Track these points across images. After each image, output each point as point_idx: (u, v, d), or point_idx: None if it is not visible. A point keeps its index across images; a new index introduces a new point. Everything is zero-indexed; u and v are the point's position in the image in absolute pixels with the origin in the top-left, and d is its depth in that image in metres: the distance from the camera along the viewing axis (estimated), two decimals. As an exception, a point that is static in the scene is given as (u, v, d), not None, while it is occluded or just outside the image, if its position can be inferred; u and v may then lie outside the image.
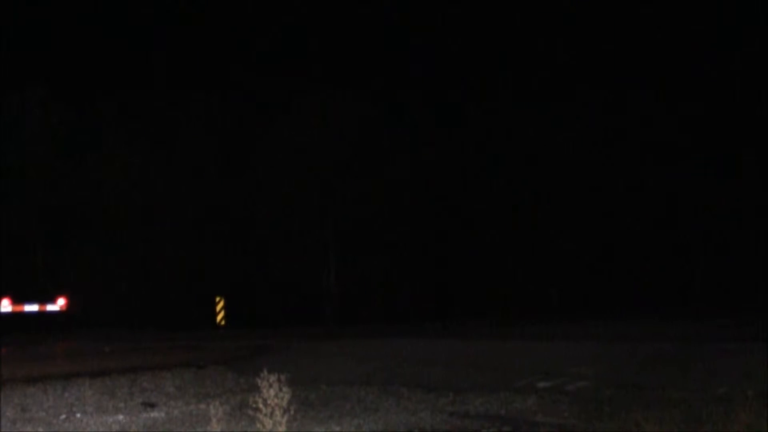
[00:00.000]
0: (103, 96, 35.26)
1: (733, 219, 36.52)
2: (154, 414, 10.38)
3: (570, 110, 37.97)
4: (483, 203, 37.66)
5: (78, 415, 10.33)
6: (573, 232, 37.96)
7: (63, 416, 10.29)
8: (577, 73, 38.77)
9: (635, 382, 11.26)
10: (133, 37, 38.32)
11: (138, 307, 32.79)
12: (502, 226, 37.70)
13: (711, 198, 37.08)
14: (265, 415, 7.14)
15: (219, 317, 29.61)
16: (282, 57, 38.41)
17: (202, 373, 14.75)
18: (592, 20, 39.12)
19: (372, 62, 38.48)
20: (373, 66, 38.40)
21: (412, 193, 36.14)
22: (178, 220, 34.83)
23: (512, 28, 39.24)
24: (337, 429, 8.93)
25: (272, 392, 7.14)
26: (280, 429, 7.15)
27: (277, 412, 7.14)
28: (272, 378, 7.18)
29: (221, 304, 29.71)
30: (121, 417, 10.14)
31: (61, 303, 28.95)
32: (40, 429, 9.48)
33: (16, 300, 27.91)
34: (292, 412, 7.42)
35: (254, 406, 7.37)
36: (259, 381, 7.28)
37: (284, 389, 7.17)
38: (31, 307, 28.42)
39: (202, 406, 10.62)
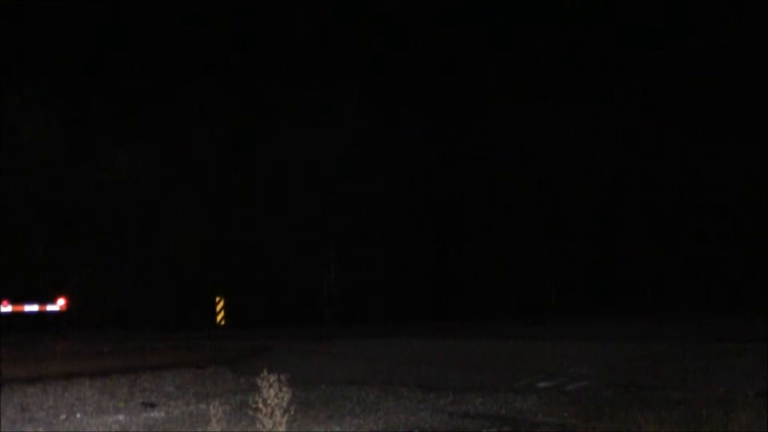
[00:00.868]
0: (103, 96, 35.27)
1: (732, 219, 36.52)
2: (154, 414, 10.38)
3: (570, 110, 37.98)
4: (483, 203, 37.65)
5: (78, 415, 10.33)
6: (573, 232, 37.96)
7: (63, 416, 10.29)
8: (577, 73, 38.82)
9: (635, 382, 11.26)
10: (133, 37, 38.30)
11: (138, 307, 32.78)
12: (502, 226, 37.69)
13: (711, 198, 37.10)
14: (265, 415, 7.14)
15: (219, 317, 29.61)
16: (282, 57, 38.41)
17: (202, 373, 14.74)
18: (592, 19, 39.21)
19: (372, 62, 38.53)
20: (373, 65, 38.46)
21: (412, 193, 36.14)
22: (178, 220, 34.82)
23: (512, 28, 39.29)
24: (337, 429, 8.93)
25: (272, 392, 7.14)
26: (280, 429, 7.15)
27: (277, 412, 7.14)
28: (272, 378, 7.18)
29: (221, 304, 29.70)
30: (121, 417, 10.14)
31: (61, 303, 28.95)
32: (40, 429, 9.48)
33: (16, 300, 27.90)
34: (292, 412, 7.43)
35: (254, 406, 7.37)
36: (259, 381, 7.28)
37: (284, 389, 7.18)
38: (31, 307, 28.42)
39: (202, 406, 10.62)
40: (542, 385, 11.69)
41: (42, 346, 22.62)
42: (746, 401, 8.36)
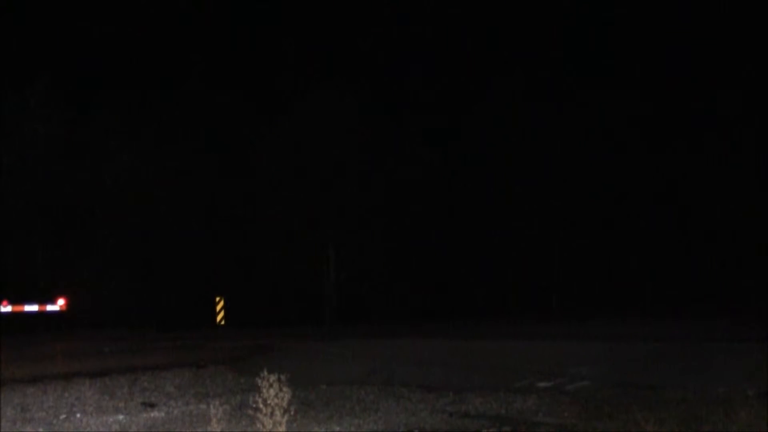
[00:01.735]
0: (103, 96, 35.24)
1: (732, 219, 36.53)
2: (154, 414, 10.38)
3: (570, 110, 37.99)
4: (483, 203, 37.66)
5: (78, 415, 10.33)
6: (573, 233, 37.97)
7: (63, 416, 10.29)
8: (577, 72, 38.82)
9: (635, 382, 11.26)
10: (133, 37, 38.26)
11: (138, 307, 32.78)
12: (502, 227, 37.71)
13: (711, 198, 37.11)
14: (265, 415, 7.14)
15: (219, 317, 29.60)
16: (282, 57, 38.39)
17: (202, 373, 14.75)
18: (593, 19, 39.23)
19: (372, 61, 38.51)
20: (373, 65, 38.43)
21: (412, 192, 36.14)
22: (178, 220, 34.82)
23: (513, 27, 39.30)
24: (337, 429, 8.93)
25: (272, 392, 7.14)
26: (280, 429, 7.15)
27: (277, 412, 7.14)
28: (272, 378, 7.18)
29: (221, 304, 29.70)
30: (121, 417, 10.14)
31: (61, 303, 28.95)
32: (40, 429, 9.48)
33: (16, 300, 27.91)
34: (292, 412, 7.43)
35: (254, 406, 7.38)
36: (259, 381, 7.28)
37: (284, 389, 7.18)
38: (31, 307, 28.43)
39: (202, 406, 10.62)
40: (542, 385, 11.70)
41: (42, 346, 22.62)
42: (746, 401, 8.36)
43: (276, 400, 7.13)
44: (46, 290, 30.56)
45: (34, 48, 35.74)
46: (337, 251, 35.21)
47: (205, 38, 38.37)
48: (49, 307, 28.76)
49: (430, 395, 11.17)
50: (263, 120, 36.26)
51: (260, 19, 40.62)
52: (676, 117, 38.00)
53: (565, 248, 37.99)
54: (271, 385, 7.15)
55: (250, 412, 7.87)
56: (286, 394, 7.18)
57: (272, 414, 7.13)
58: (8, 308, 27.32)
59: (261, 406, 7.16)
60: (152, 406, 10.93)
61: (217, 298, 29.77)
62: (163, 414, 10.35)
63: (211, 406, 8.07)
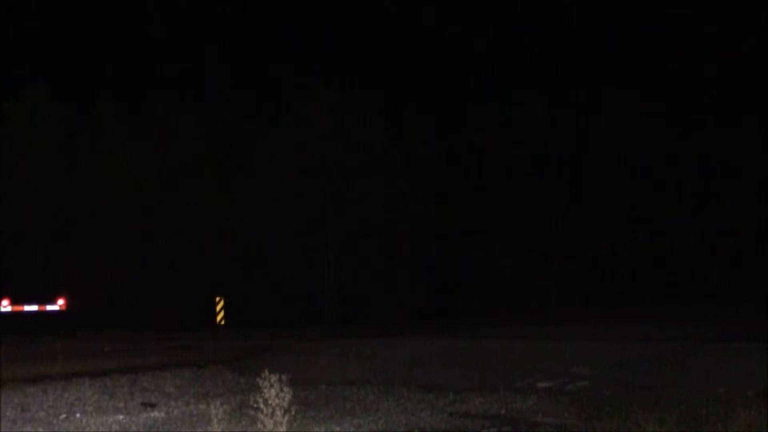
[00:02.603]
0: (103, 96, 35.25)
1: (732, 219, 36.53)
2: (154, 414, 10.37)
3: (571, 110, 37.98)
4: (483, 204, 37.64)
5: (78, 415, 10.33)
6: (573, 233, 37.96)
7: (63, 416, 10.29)
8: (578, 72, 38.85)
9: (635, 382, 11.26)
10: (133, 37, 38.29)
11: (138, 307, 32.78)
12: (503, 227, 37.69)
13: (711, 198, 37.10)
14: (266, 415, 7.14)
15: (219, 317, 29.56)
16: (283, 56, 38.41)
17: (202, 373, 14.74)
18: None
19: (372, 60, 38.54)
20: (374, 64, 38.47)
21: (412, 193, 36.12)
22: (177, 220, 34.81)
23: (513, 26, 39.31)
24: (337, 429, 8.93)
25: (273, 392, 7.13)
26: (281, 429, 7.15)
27: (278, 412, 7.13)
28: (273, 378, 7.17)
29: (221, 304, 29.66)
30: (121, 417, 10.14)
31: (61, 303, 28.96)
32: (40, 429, 9.47)
33: (16, 300, 27.91)
34: (292, 412, 7.42)
35: (255, 406, 7.37)
36: (259, 381, 7.27)
37: (285, 389, 7.17)
38: (31, 307, 28.43)
39: (202, 406, 10.61)
40: (542, 385, 11.69)
41: (42, 346, 22.62)
42: (746, 401, 8.36)
43: (276, 400, 7.12)
44: (46, 290, 30.56)
45: (35, 48, 35.78)
46: (338, 251, 35.20)
47: (206, 38, 38.41)
48: (49, 307, 28.77)
49: (430, 395, 11.16)
50: (263, 120, 36.25)
51: (260, 18, 40.65)
52: (676, 116, 38.02)
53: (565, 248, 37.98)
54: (271, 385, 7.14)
55: (251, 412, 7.86)
56: (287, 394, 7.17)
57: (273, 414, 7.12)
58: (8, 308, 27.33)
59: (261, 406, 7.15)
60: (152, 406, 10.93)
61: (217, 298, 29.73)
62: (163, 414, 10.34)
63: (212, 406, 8.05)
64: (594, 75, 38.81)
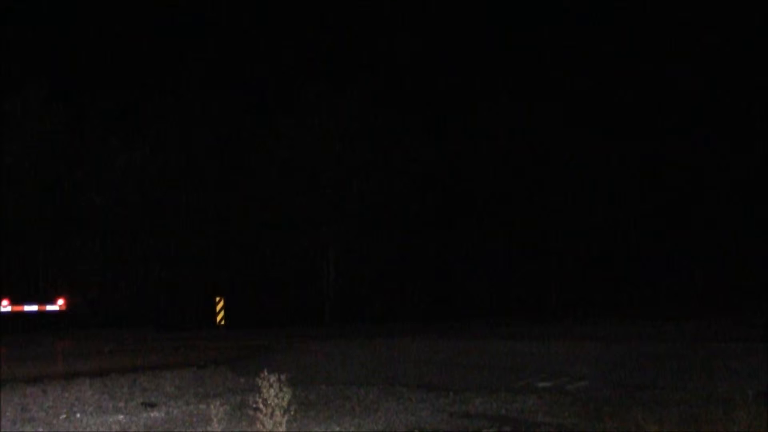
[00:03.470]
0: (103, 96, 35.25)
1: (732, 219, 36.54)
2: (154, 414, 10.36)
3: (570, 111, 37.98)
4: (483, 203, 37.65)
5: (78, 415, 10.32)
6: (573, 233, 37.97)
7: (63, 416, 10.28)
8: (578, 73, 38.85)
9: (635, 382, 11.26)
10: (133, 37, 38.31)
11: (138, 307, 32.78)
12: (503, 227, 37.69)
13: (711, 198, 37.11)
14: (266, 415, 7.14)
15: (219, 317, 29.60)
16: (283, 57, 38.43)
17: (202, 373, 14.73)
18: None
19: (371, 60, 38.54)
20: (374, 64, 38.47)
21: (412, 193, 36.13)
22: (178, 220, 34.82)
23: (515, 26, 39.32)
24: (337, 429, 8.93)
25: (272, 392, 7.13)
26: (281, 429, 7.15)
27: (278, 412, 7.14)
28: (272, 378, 7.17)
29: (221, 304, 29.70)
30: (121, 417, 10.13)
31: (61, 303, 28.95)
32: (40, 429, 9.46)
33: (16, 300, 27.91)
34: (292, 412, 7.42)
35: (254, 406, 7.37)
36: (259, 381, 7.27)
37: (284, 389, 7.17)
38: (31, 307, 28.43)
39: (202, 406, 10.60)
40: (542, 385, 11.69)
41: (42, 346, 22.61)
42: (746, 401, 8.35)
43: (276, 400, 7.13)
44: (46, 290, 30.56)
45: (35, 49, 35.77)
46: (338, 251, 35.20)
47: (205, 38, 38.43)
48: (49, 307, 28.76)
49: (431, 395, 11.16)
50: (263, 120, 36.27)
51: (260, 18, 40.66)
52: (675, 117, 38.02)
53: (565, 248, 37.98)
54: (271, 385, 7.14)
55: (251, 412, 7.86)
56: (287, 394, 7.17)
57: (272, 414, 7.13)
58: (8, 308, 27.32)
59: (261, 406, 7.16)
60: (152, 406, 10.92)
61: (217, 298, 29.77)
62: (163, 414, 10.33)
63: (211, 406, 8.05)
64: (592, 75, 38.81)
